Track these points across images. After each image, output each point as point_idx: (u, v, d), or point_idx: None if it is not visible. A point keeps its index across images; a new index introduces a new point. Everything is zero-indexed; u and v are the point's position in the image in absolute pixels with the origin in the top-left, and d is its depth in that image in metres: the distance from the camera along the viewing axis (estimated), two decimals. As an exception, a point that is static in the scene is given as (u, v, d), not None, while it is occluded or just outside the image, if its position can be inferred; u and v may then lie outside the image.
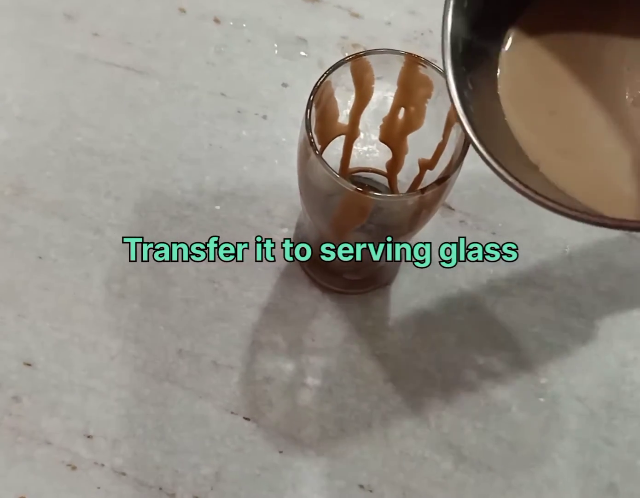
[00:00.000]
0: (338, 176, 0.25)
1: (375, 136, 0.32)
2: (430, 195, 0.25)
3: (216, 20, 0.43)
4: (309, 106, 0.26)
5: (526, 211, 0.38)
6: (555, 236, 0.38)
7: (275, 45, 0.42)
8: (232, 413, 0.34)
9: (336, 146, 0.32)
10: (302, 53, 0.42)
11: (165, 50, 0.42)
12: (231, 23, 0.43)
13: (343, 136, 0.32)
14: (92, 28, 0.42)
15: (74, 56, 0.41)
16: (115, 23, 0.42)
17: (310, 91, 0.26)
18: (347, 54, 0.41)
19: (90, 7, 0.42)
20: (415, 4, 0.43)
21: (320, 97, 0.27)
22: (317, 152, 0.25)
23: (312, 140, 0.25)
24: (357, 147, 0.33)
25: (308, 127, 0.25)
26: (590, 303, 0.37)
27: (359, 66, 0.27)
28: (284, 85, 0.41)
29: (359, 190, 0.25)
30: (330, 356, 0.35)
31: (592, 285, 0.37)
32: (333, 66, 0.26)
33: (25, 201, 0.38)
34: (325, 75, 0.26)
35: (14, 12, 0.42)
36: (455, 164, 0.25)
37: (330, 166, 0.25)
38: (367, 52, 0.27)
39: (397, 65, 0.27)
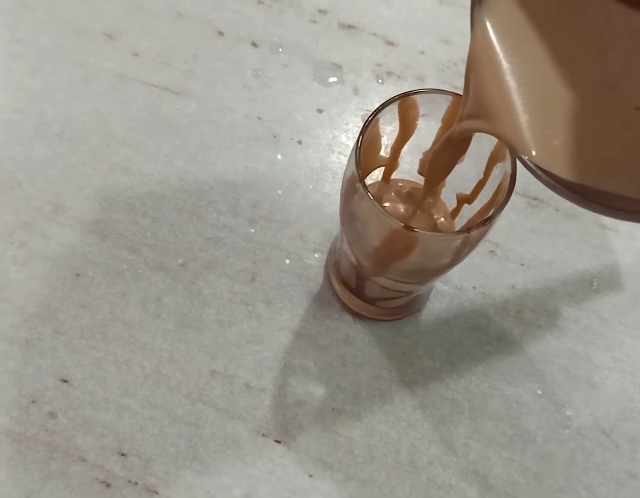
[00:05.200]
0: (387, 213, 0.25)
1: (409, 166, 0.33)
2: (475, 234, 0.26)
3: (253, 44, 0.43)
4: (358, 144, 0.26)
5: (555, 243, 0.39)
6: (583, 269, 0.39)
7: (311, 70, 0.43)
8: (263, 435, 0.34)
9: (370, 174, 0.32)
10: (337, 79, 0.42)
11: (203, 72, 0.42)
12: (268, 47, 0.43)
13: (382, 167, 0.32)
14: (131, 48, 0.42)
15: (113, 75, 0.42)
16: (154, 43, 0.43)
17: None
18: (380, 81, 0.42)
19: (129, 27, 0.43)
20: (449, 34, 0.44)
21: (368, 135, 0.27)
22: (368, 192, 0.25)
23: (360, 177, 0.26)
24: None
25: (357, 164, 0.26)
26: (616, 336, 0.37)
27: (406, 104, 0.28)
28: (319, 111, 0.41)
29: (407, 227, 0.25)
30: (360, 382, 0.36)
31: (619, 319, 0.38)
32: (383, 104, 0.27)
33: (63, 219, 0.38)
34: (374, 113, 0.27)
35: (54, 28, 0.43)
36: (502, 203, 0.26)
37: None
38: (416, 92, 0.27)
39: (443, 104, 0.28)
